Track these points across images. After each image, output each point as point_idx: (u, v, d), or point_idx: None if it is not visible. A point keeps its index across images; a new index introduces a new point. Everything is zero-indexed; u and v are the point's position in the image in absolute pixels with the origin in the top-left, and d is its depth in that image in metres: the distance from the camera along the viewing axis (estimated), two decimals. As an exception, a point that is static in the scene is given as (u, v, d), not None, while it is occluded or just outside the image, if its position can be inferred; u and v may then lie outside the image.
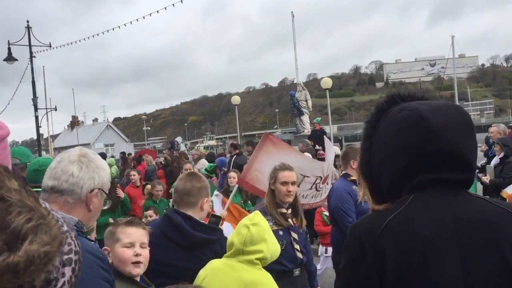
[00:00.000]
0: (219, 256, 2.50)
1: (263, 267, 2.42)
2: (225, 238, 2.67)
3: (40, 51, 23.38)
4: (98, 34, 24.40)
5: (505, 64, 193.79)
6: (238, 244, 2.37)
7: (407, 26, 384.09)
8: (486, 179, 6.91)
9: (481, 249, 1.19)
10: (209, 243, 2.73)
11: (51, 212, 0.83)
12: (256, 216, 2.47)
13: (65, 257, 0.89)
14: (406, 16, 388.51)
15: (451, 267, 1.17)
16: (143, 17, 22.40)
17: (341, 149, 11.07)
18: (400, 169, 1.29)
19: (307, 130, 19.70)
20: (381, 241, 1.22)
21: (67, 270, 0.88)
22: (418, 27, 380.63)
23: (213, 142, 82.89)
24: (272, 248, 2.43)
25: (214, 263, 2.44)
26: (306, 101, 21.07)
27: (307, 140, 13.23)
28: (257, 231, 2.37)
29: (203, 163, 11.13)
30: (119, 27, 23.47)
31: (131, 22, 23.36)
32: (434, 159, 1.25)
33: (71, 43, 25.27)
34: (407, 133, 1.28)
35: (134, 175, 8.64)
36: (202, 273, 2.42)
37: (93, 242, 1.91)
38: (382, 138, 1.35)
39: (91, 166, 1.78)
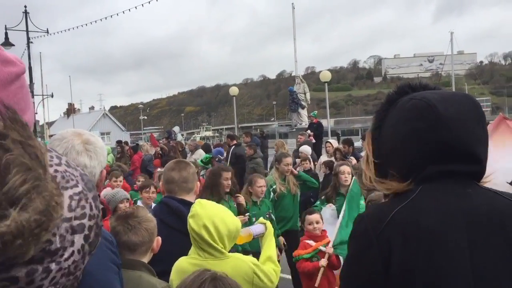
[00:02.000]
0: None
1: None
2: None
3: (38, 37, 23.21)
4: (96, 21, 24.27)
5: (503, 62, 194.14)
6: (192, 240, 2.39)
7: (412, 21, 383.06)
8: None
9: (490, 242, 1.16)
10: None
11: (48, 171, 0.70)
12: (195, 207, 2.44)
13: (76, 222, 0.76)
14: (412, 11, 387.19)
15: (459, 260, 1.15)
16: (142, 5, 22.25)
17: (338, 143, 11.05)
18: (409, 160, 1.26)
19: (305, 123, 19.71)
20: (387, 232, 1.19)
21: (78, 238, 0.76)
22: (423, 22, 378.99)
23: (209, 133, 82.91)
24: (223, 231, 2.36)
25: (181, 264, 2.43)
26: (305, 93, 21.07)
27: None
28: (195, 222, 2.36)
29: (200, 153, 11.12)
30: (117, 14, 23.37)
31: (129, 10, 23.22)
32: (442, 149, 1.22)
33: (70, 29, 25.15)
34: (415, 121, 1.25)
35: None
36: (172, 276, 2.42)
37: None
38: (391, 128, 1.32)
39: (97, 152, 1.75)
